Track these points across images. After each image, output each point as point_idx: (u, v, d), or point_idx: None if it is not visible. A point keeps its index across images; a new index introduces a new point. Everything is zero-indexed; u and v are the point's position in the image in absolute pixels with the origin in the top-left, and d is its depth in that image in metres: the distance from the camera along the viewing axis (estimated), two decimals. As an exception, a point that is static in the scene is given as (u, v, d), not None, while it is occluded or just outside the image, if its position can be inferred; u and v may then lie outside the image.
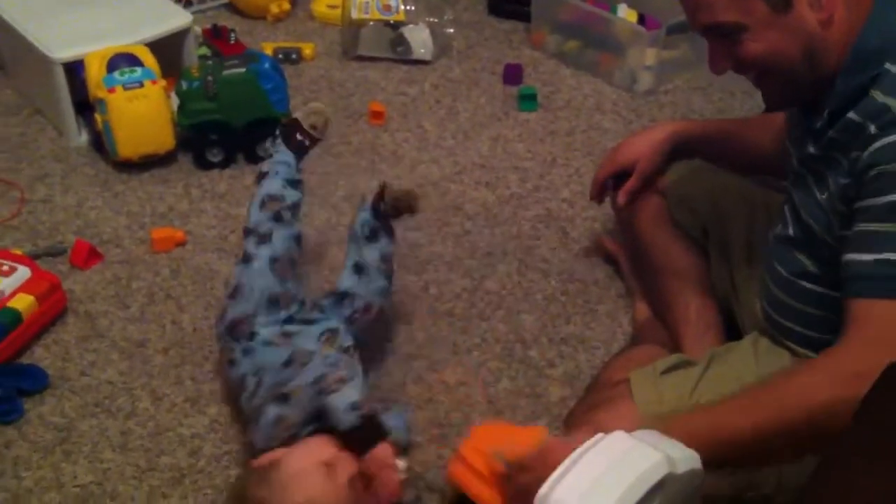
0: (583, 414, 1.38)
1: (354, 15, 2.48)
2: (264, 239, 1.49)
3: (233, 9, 2.72)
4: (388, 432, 1.32)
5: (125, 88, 1.97)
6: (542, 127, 2.29)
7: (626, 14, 2.45)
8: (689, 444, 1.07)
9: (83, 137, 2.16)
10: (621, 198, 1.65)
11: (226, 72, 2.04)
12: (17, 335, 1.61)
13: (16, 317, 1.61)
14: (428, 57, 2.51)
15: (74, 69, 2.06)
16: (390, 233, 1.55)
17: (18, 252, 1.76)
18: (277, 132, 1.62)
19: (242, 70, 2.05)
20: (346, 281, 1.53)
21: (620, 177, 1.66)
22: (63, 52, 2.05)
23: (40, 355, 1.64)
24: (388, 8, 2.50)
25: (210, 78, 2.02)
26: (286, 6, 2.68)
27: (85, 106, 2.10)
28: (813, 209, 1.28)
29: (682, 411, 1.23)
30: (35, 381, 1.57)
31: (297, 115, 1.61)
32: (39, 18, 2.15)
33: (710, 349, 1.41)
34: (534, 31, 2.62)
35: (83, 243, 1.83)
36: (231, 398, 1.53)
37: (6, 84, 2.35)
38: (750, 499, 1.31)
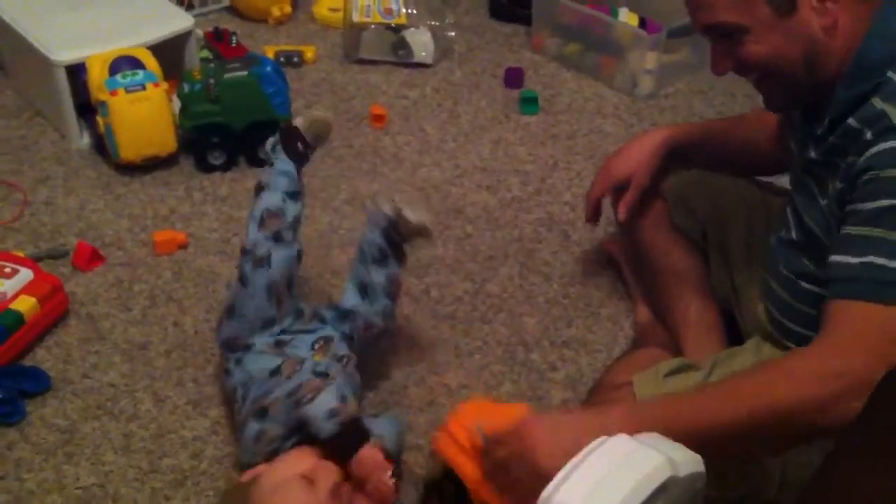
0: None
1: (356, 18, 2.49)
2: (261, 263, 1.43)
3: (234, 12, 2.72)
4: (368, 435, 1.31)
5: (127, 91, 1.97)
6: (543, 130, 2.30)
7: (627, 17, 2.46)
8: (647, 430, 1.08)
9: (85, 140, 2.16)
10: (622, 214, 1.63)
11: (227, 75, 2.04)
12: (19, 337, 1.61)
13: (18, 319, 1.61)
14: (429, 60, 2.52)
15: (76, 71, 2.06)
16: (401, 258, 1.53)
17: (21, 254, 1.76)
18: (276, 136, 1.54)
19: (244, 73, 2.05)
20: (351, 299, 1.52)
21: (618, 189, 1.64)
22: (64, 55, 2.05)
23: (42, 357, 1.64)
24: (389, 11, 2.50)
25: (212, 81, 2.02)
26: (288, 9, 2.69)
27: (86, 108, 2.09)
28: (815, 214, 1.28)
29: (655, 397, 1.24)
30: (37, 383, 1.57)
31: (299, 121, 1.55)
32: (41, 20, 2.15)
33: (712, 354, 1.41)
34: (535, 35, 2.62)
35: (85, 246, 1.83)
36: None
37: (7, 86, 2.35)
38: (751, 501, 1.31)
